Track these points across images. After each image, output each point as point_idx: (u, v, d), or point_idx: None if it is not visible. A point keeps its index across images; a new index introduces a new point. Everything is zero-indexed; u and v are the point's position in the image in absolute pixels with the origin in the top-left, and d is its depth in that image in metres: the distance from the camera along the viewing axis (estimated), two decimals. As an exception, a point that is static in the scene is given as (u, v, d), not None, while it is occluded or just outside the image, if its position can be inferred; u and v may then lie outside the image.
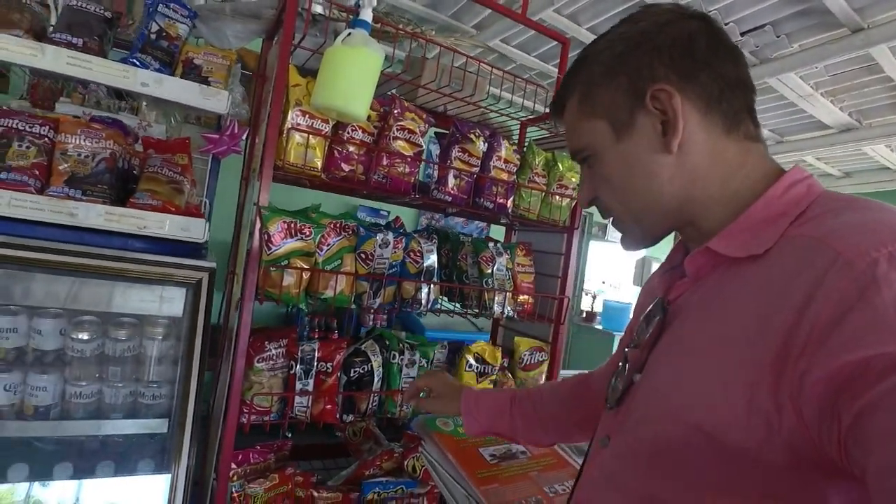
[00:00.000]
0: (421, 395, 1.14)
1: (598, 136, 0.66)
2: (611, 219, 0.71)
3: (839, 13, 2.68)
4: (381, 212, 3.90)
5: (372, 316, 3.45)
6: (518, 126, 1.94)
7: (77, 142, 1.22)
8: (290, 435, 1.44)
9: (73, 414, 1.29)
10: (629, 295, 5.94)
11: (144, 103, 2.94)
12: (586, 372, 1.05)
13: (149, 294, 1.31)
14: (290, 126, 1.19)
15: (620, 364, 0.72)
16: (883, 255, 0.43)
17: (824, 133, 4.11)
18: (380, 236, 1.26)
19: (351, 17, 1.39)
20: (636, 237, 0.70)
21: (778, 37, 3.06)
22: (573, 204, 1.67)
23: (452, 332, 3.14)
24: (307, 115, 1.21)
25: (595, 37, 0.70)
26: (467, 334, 3.15)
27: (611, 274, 6.21)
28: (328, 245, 1.24)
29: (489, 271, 1.52)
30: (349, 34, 1.15)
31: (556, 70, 3.41)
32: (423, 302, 1.38)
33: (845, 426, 0.40)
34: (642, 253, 5.45)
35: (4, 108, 1.21)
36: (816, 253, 0.47)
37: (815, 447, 0.43)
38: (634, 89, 0.62)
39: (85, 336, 1.26)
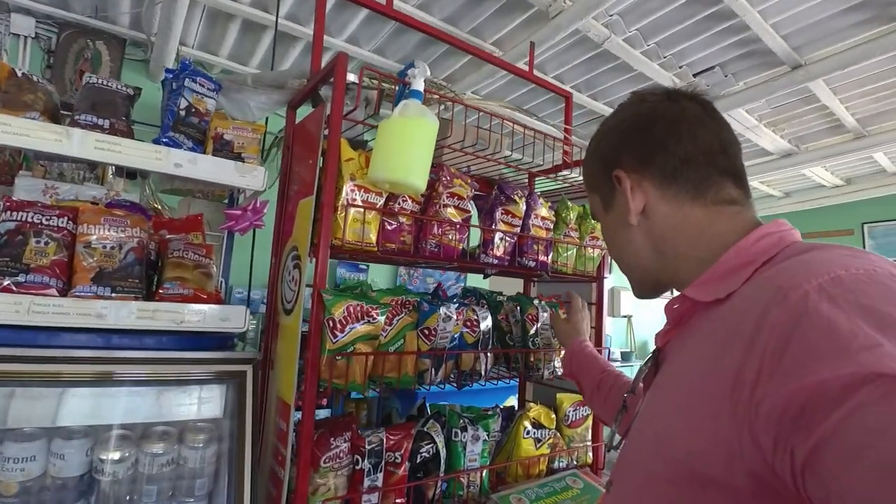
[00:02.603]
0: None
1: (595, 206, 0.82)
2: None
3: (780, 53, 2.93)
4: (361, 266, 3.79)
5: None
6: (527, 178, 1.94)
7: (101, 232, 1.09)
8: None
9: (99, 550, 1.10)
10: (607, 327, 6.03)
11: (111, 173, 2.75)
12: None
13: (186, 397, 1.16)
14: (345, 202, 1.11)
15: (619, 410, 0.83)
16: (813, 287, 0.47)
17: (767, 159, 4.43)
18: (443, 310, 1.19)
19: (381, 84, 1.35)
20: (632, 287, 0.82)
21: (726, 76, 3.31)
22: (603, 254, 1.67)
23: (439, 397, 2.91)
24: (362, 190, 1.14)
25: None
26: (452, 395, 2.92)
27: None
28: (391, 325, 1.16)
29: (533, 331, 1.48)
30: (405, 105, 1.11)
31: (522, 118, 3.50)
32: (483, 372, 1.31)
33: (800, 463, 0.42)
34: (612, 284, 5.59)
35: (16, 199, 1.06)
36: (764, 290, 0.52)
37: (772, 473, 0.45)
38: (606, 172, 0.75)
39: (116, 455, 1.09)
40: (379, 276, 4.05)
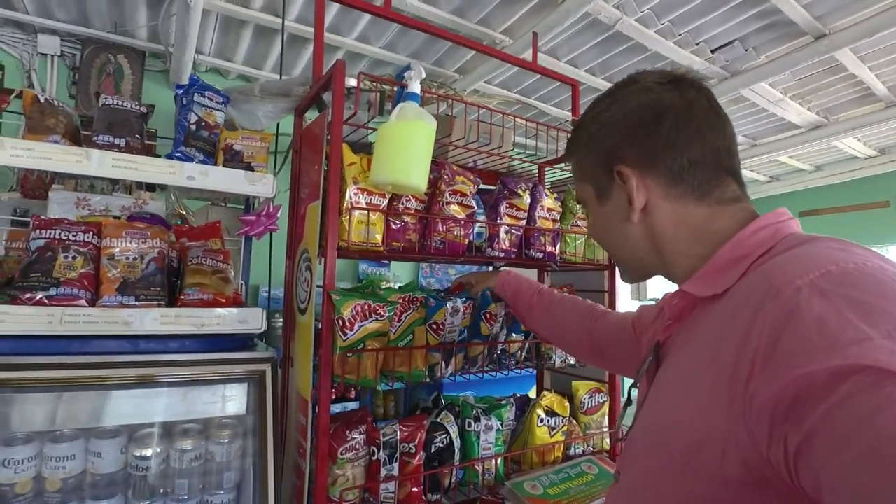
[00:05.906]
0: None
1: (587, 195, 0.79)
2: None
3: (802, 23, 2.83)
4: (384, 262, 3.86)
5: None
6: (536, 169, 1.95)
7: (124, 245, 1.16)
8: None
9: (134, 540, 1.18)
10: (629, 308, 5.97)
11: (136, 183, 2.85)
12: (602, 309, 1.23)
13: (210, 395, 1.23)
14: (349, 206, 1.15)
15: (624, 401, 0.85)
16: (805, 283, 0.48)
17: (795, 133, 4.29)
18: (450, 304, 1.22)
19: (381, 87, 1.38)
20: (621, 273, 0.84)
21: (746, 50, 3.21)
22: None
23: (463, 387, 2.89)
24: (365, 192, 1.18)
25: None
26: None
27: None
28: (400, 321, 1.20)
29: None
30: (402, 108, 1.14)
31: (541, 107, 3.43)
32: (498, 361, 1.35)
33: (792, 452, 0.43)
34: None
35: (44, 218, 1.14)
36: (758, 285, 0.53)
37: (766, 464, 0.47)
38: (606, 166, 0.73)
39: (148, 452, 1.17)
40: (401, 269, 4.11)
